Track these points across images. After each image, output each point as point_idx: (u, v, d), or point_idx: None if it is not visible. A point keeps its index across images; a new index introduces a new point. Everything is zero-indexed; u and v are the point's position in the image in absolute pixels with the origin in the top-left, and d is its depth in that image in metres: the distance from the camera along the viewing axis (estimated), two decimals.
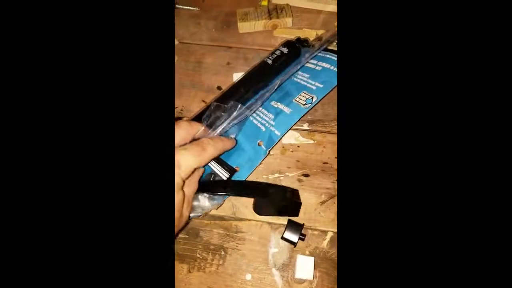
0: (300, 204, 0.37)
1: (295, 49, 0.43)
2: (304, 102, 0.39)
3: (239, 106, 0.35)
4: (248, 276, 0.35)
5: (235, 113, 0.35)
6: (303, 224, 0.36)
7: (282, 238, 0.35)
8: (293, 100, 0.40)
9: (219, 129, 0.35)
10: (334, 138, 0.42)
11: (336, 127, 0.43)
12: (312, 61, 0.42)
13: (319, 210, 0.38)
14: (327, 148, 0.41)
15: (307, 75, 0.41)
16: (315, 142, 0.42)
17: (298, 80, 0.41)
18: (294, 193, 0.38)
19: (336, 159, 0.41)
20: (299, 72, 0.42)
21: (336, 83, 0.39)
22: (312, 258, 0.35)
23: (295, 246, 0.35)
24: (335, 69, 0.40)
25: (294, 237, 0.35)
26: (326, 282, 0.35)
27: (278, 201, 0.36)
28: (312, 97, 0.39)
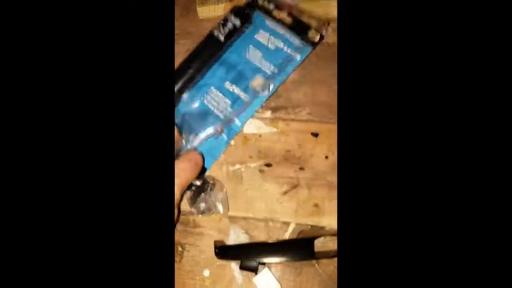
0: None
1: (248, 19, 0.41)
2: (261, 89, 0.38)
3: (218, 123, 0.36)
4: (206, 272, 0.34)
5: (212, 131, 0.35)
6: None
7: (241, 267, 0.32)
8: (249, 85, 0.38)
9: (196, 142, 0.35)
10: (298, 126, 0.40)
11: (300, 114, 0.41)
12: (263, 32, 0.40)
13: (281, 201, 0.37)
14: (290, 136, 0.40)
15: (260, 53, 0.39)
16: (278, 130, 0.40)
17: (251, 59, 0.39)
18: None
19: (299, 147, 0.39)
20: (251, 46, 0.40)
21: (291, 70, 0.38)
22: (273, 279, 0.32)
23: (256, 273, 0.33)
24: (289, 51, 0.39)
25: (253, 263, 0.32)
26: (288, 275, 0.34)
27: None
28: (269, 85, 0.38)
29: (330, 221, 0.35)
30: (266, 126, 0.40)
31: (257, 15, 0.42)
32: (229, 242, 0.35)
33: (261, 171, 0.38)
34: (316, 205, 0.36)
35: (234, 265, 0.34)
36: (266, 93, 0.37)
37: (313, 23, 0.40)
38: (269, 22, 0.41)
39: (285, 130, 0.40)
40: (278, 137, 0.40)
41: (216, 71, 0.40)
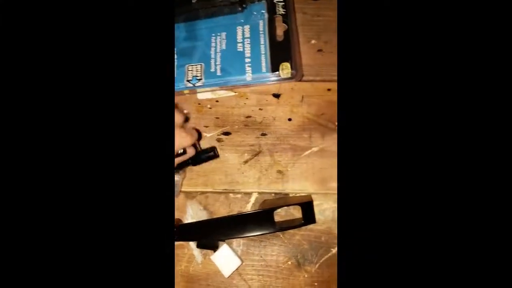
0: None
1: (243, 4, 0.36)
2: (191, 78, 0.34)
3: None
4: None
5: None
6: None
7: (198, 246, 0.30)
8: (186, 65, 0.34)
9: None
10: (257, 87, 0.36)
11: None
12: (246, 30, 0.35)
13: (242, 170, 0.34)
14: (250, 99, 0.36)
15: (224, 41, 0.35)
16: (236, 94, 0.36)
17: (213, 40, 0.35)
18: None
19: (260, 111, 0.35)
20: (222, 34, 0.35)
21: (233, 80, 0.34)
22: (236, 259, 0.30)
23: (215, 251, 0.30)
24: (248, 57, 0.34)
25: (210, 240, 0.30)
26: (252, 249, 0.31)
27: None
28: (201, 79, 0.34)
29: (294, 187, 0.32)
30: (222, 90, 0.36)
31: (258, 9, 0.36)
32: (187, 220, 0.32)
33: (219, 140, 0.35)
34: (279, 172, 0.33)
35: (192, 244, 0.31)
36: (190, 85, 0.34)
37: None
38: (262, 25, 0.35)
39: (244, 93, 0.36)
40: (237, 101, 0.36)
41: (176, 29, 0.36)
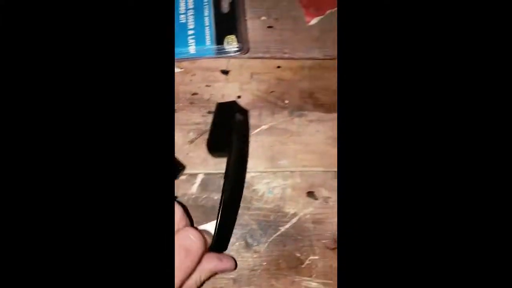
0: None
1: None
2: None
3: None
4: None
5: None
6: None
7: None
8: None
9: None
10: (204, 63, 0.34)
11: None
12: None
13: (188, 151, 0.32)
14: (197, 76, 0.34)
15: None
16: (182, 70, 0.34)
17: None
18: None
19: (207, 88, 0.33)
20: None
21: (176, 52, 0.32)
22: None
23: None
24: (191, 29, 0.33)
25: None
26: None
27: None
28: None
29: None
30: None
31: None
32: None
33: None
34: None
35: None
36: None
37: None
38: None
39: (190, 69, 0.34)
40: (182, 78, 0.34)
41: None
